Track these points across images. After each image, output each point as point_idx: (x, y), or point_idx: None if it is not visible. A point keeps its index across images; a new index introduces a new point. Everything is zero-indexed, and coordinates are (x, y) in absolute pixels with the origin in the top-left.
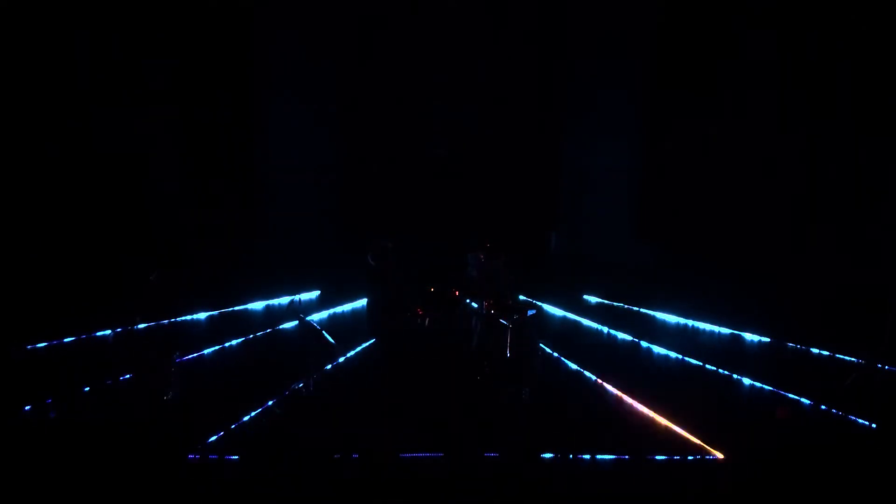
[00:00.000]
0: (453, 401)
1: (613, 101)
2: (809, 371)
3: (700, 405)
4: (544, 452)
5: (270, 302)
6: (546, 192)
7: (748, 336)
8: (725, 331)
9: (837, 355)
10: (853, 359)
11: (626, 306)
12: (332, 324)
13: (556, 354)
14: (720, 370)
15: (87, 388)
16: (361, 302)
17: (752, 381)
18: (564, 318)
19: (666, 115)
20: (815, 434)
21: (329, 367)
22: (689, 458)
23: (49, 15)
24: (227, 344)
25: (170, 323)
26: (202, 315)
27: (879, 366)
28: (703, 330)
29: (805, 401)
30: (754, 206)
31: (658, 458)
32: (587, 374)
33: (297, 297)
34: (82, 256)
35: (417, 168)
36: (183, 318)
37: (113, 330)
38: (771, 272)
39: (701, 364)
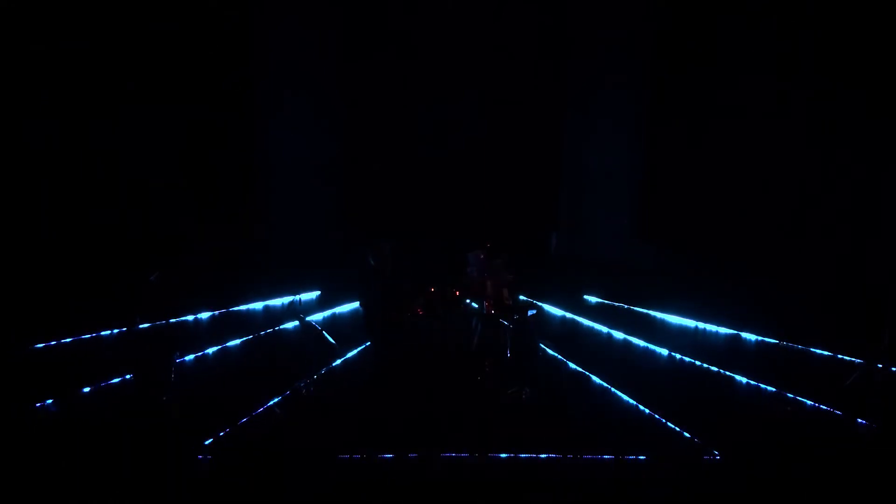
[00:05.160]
0: (453, 401)
1: (614, 100)
2: (809, 371)
3: (700, 405)
4: (544, 452)
5: (271, 302)
6: (546, 191)
7: (748, 336)
8: (726, 330)
9: (837, 355)
10: (853, 359)
11: (626, 306)
12: (333, 324)
13: (556, 354)
14: (720, 370)
15: (88, 389)
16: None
17: (751, 381)
18: (564, 318)
19: (667, 115)
20: (815, 434)
21: (329, 366)
22: (689, 458)
23: (46, 11)
24: (227, 344)
25: (170, 323)
26: (202, 315)
27: (880, 366)
28: (704, 329)
29: (805, 401)
30: (755, 206)
31: (658, 458)
32: (587, 373)
33: (297, 298)
34: (82, 256)
35: (418, 168)
36: (183, 318)
37: (113, 330)
38: (772, 272)
39: (701, 364)
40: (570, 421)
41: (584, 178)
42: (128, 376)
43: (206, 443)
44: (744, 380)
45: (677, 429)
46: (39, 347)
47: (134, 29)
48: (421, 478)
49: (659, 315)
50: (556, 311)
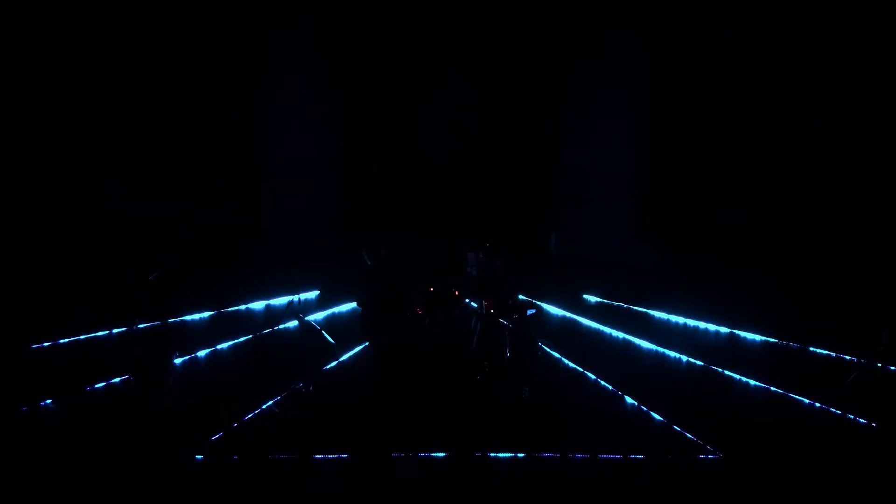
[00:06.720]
0: (453, 401)
1: (614, 99)
2: (809, 370)
3: (699, 404)
4: (544, 452)
5: (270, 302)
6: (546, 191)
7: (747, 335)
8: (724, 329)
9: (837, 354)
10: (853, 358)
11: (625, 305)
12: (332, 324)
13: (555, 354)
14: (719, 369)
15: (88, 389)
16: None
17: (750, 381)
18: (564, 317)
19: (666, 115)
20: (815, 434)
21: (329, 367)
22: (689, 457)
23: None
24: (226, 344)
25: (169, 323)
26: (201, 315)
27: (879, 365)
28: (702, 329)
29: (805, 400)
30: (754, 206)
31: (658, 457)
32: (587, 373)
33: (296, 297)
34: (82, 257)
35: (418, 167)
36: (182, 318)
37: (113, 330)
38: (771, 271)
39: (700, 363)
40: (569, 420)
41: (584, 178)
42: (127, 377)
43: (206, 443)
44: (743, 379)
45: (677, 427)
46: (39, 347)
47: (132, 25)
48: (420, 477)
49: (658, 314)
50: (556, 311)
